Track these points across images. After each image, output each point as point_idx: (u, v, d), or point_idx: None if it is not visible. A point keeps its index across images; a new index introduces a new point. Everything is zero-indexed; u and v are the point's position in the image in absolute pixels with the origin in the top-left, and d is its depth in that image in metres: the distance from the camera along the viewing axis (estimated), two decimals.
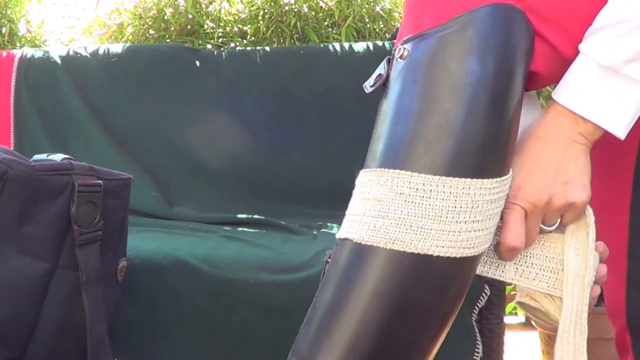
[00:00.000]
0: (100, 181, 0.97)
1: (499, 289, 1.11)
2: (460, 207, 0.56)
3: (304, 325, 0.61)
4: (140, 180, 1.60)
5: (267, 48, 1.83)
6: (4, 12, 2.31)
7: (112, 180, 1.00)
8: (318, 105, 1.71)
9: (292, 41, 2.21)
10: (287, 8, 2.23)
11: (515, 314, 2.22)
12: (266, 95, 1.73)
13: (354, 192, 0.62)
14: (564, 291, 0.64)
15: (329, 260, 0.62)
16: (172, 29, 2.21)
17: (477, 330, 1.06)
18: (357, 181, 0.62)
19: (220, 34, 2.25)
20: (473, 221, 0.57)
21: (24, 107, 1.76)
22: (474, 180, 0.56)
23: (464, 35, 0.60)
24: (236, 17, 2.31)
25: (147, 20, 2.26)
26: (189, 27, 2.24)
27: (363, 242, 0.58)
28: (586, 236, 0.64)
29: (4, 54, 1.84)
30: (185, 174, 1.69)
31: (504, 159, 0.59)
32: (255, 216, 1.54)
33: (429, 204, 0.56)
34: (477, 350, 1.05)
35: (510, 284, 1.71)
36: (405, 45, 0.63)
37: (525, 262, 0.66)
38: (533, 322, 1.80)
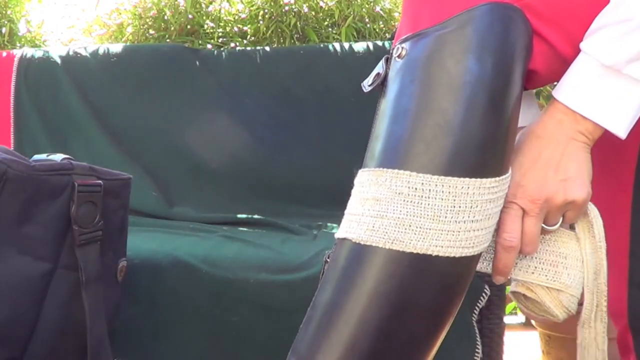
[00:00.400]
0: (100, 181, 0.96)
1: (499, 289, 1.11)
2: (459, 207, 0.56)
3: (303, 325, 0.60)
4: (140, 180, 1.60)
5: (267, 48, 1.83)
6: (4, 12, 2.31)
7: (112, 180, 1.00)
8: (318, 105, 1.71)
9: (292, 41, 2.21)
10: (287, 8, 2.23)
11: (515, 314, 2.22)
12: (266, 95, 1.73)
13: (353, 191, 0.62)
14: (585, 287, 0.64)
15: (328, 260, 0.62)
16: (172, 29, 2.21)
17: (477, 330, 1.06)
18: (356, 181, 0.62)
19: (220, 34, 2.25)
20: (472, 221, 0.57)
21: (24, 107, 1.76)
22: (473, 179, 0.56)
23: (462, 34, 0.60)
24: (236, 17, 2.31)
25: (147, 20, 2.26)
26: (189, 27, 2.24)
27: (362, 242, 0.58)
28: (593, 233, 0.65)
29: (4, 54, 1.84)
30: (185, 174, 1.69)
31: (502, 158, 0.59)
32: (255, 216, 1.54)
33: (428, 204, 0.56)
34: (477, 350, 1.05)
35: (510, 284, 1.71)
36: (403, 45, 0.63)
37: (525, 257, 0.66)
38: (533, 322, 1.81)
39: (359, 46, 1.76)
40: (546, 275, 0.65)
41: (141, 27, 2.26)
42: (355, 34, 2.20)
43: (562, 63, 0.63)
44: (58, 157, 0.94)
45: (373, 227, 0.57)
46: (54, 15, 2.48)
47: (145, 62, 1.77)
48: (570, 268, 0.65)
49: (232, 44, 2.23)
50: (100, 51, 1.80)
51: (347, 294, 0.57)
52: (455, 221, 0.56)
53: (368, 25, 2.24)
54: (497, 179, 0.58)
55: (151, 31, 2.26)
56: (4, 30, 2.30)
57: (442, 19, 0.61)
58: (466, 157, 0.57)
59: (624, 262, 0.75)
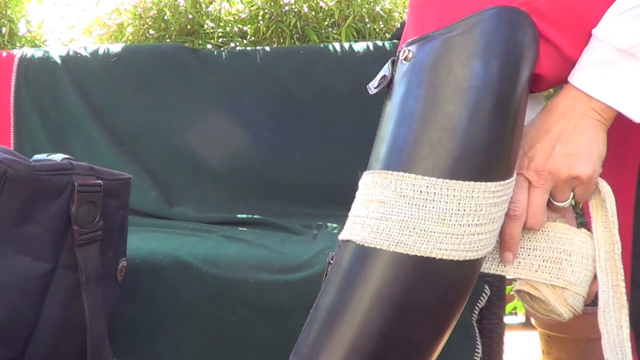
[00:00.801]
0: (100, 181, 0.96)
1: (499, 289, 1.11)
2: (464, 211, 0.56)
3: (306, 327, 0.60)
4: (140, 180, 1.60)
5: (267, 48, 1.83)
6: (4, 12, 2.31)
7: (112, 180, 1.00)
8: (318, 105, 1.71)
9: (292, 41, 2.21)
10: (287, 8, 2.23)
11: (515, 314, 2.22)
12: (266, 95, 1.73)
13: (357, 193, 0.62)
14: (597, 267, 0.64)
15: (331, 261, 0.62)
16: (172, 29, 2.21)
17: (477, 330, 1.06)
18: (360, 183, 0.62)
19: (220, 34, 2.25)
20: (476, 224, 0.57)
21: (24, 107, 1.76)
22: (478, 183, 0.56)
23: (468, 37, 0.60)
24: (236, 17, 2.31)
25: (147, 20, 2.26)
26: (189, 27, 2.24)
27: (366, 244, 0.58)
28: (606, 211, 0.64)
29: (4, 54, 1.84)
30: (185, 174, 1.69)
31: (508, 162, 0.59)
32: (255, 216, 1.54)
33: (433, 207, 0.56)
34: (477, 350, 1.05)
35: (510, 284, 1.71)
36: (409, 47, 0.63)
37: (529, 254, 0.66)
38: (533, 321, 1.80)
39: (359, 46, 1.76)
40: (550, 273, 0.65)
41: (141, 27, 2.26)
42: (355, 34, 2.20)
43: (569, 66, 0.63)
44: (58, 157, 0.94)
45: (377, 229, 0.57)
46: (54, 15, 2.48)
47: (145, 62, 1.77)
48: (575, 265, 0.64)
49: (232, 44, 2.23)
50: (100, 51, 1.80)
51: (350, 295, 0.57)
52: (460, 224, 0.56)
53: (368, 25, 2.24)
54: (502, 182, 0.58)
55: (151, 31, 2.26)
56: (4, 30, 2.30)
57: (449, 23, 0.61)
58: (471, 160, 0.57)
59: (626, 263, 0.75)
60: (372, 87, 0.66)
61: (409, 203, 0.57)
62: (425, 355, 0.59)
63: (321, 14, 2.27)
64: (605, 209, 0.65)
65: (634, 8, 0.59)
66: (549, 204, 0.65)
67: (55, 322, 0.91)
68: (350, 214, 0.62)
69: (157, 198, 1.64)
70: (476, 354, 1.04)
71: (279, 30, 2.22)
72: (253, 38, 2.25)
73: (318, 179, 1.65)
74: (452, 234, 0.56)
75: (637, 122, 0.61)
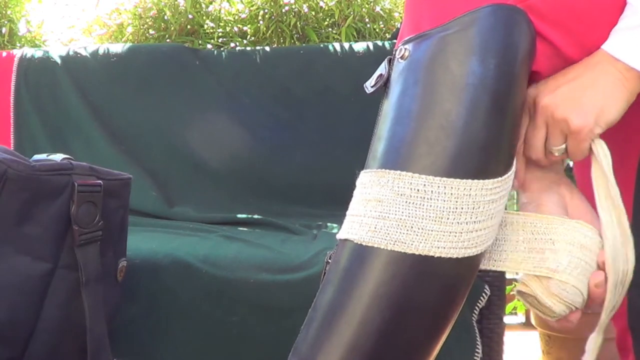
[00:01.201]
0: (100, 181, 0.96)
1: (499, 289, 1.11)
2: (462, 209, 0.56)
3: (304, 326, 0.60)
4: (140, 180, 1.60)
5: (267, 48, 1.83)
6: (4, 12, 2.31)
7: (112, 180, 1.00)
8: (318, 105, 1.71)
9: (292, 41, 2.21)
10: (287, 8, 2.23)
11: (515, 314, 2.22)
12: (266, 95, 1.73)
13: (355, 192, 0.62)
14: (603, 235, 0.62)
15: (330, 261, 0.62)
16: (172, 29, 2.21)
17: (477, 330, 1.06)
18: (358, 182, 0.62)
19: (220, 34, 2.25)
20: (474, 222, 0.57)
21: (24, 107, 1.76)
22: (475, 181, 0.56)
23: (465, 35, 0.60)
24: (236, 17, 2.31)
25: (147, 20, 2.26)
26: (189, 27, 2.24)
27: (364, 243, 0.57)
28: (606, 175, 0.63)
29: (4, 54, 1.84)
30: (185, 174, 1.69)
31: (505, 160, 0.59)
32: (255, 216, 1.54)
33: (430, 205, 0.56)
34: (477, 350, 1.05)
35: (510, 284, 1.71)
36: (406, 46, 0.63)
37: (515, 247, 0.65)
38: (533, 321, 1.80)
39: (359, 46, 1.76)
40: (533, 263, 0.63)
41: (141, 27, 2.26)
42: (355, 34, 2.20)
43: (566, 64, 0.63)
44: (58, 157, 0.94)
45: (375, 228, 0.57)
46: (54, 15, 2.48)
47: (145, 62, 1.77)
48: (559, 252, 0.63)
49: (232, 44, 2.23)
50: (100, 51, 1.80)
51: (349, 295, 0.57)
52: (458, 222, 0.56)
53: (368, 25, 2.24)
54: (499, 179, 0.58)
55: (151, 31, 2.26)
56: (4, 30, 2.30)
57: (445, 21, 0.61)
58: (469, 158, 0.57)
59: None
60: (369, 86, 0.66)
61: (406, 202, 0.57)
62: (424, 353, 0.59)
63: (321, 14, 2.27)
64: (604, 174, 0.63)
65: None
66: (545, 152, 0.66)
67: (55, 322, 0.91)
68: (348, 212, 0.61)
69: (157, 198, 1.64)
70: (476, 354, 1.04)
71: (279, 30, 2.22)
72: (253, 38, 2.25)
73: (318, 179, 1.65)
74: (450, 232, 0.56)
75: None
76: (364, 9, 2.25)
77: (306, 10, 2.24)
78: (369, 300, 0.56)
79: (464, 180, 0.56)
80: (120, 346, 1.07)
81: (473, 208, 0.57)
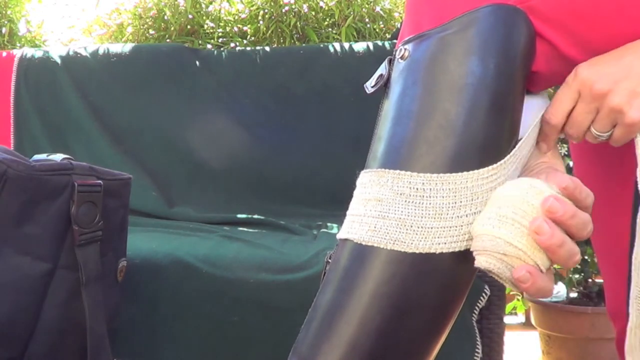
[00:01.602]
0: (100, 181, 0.96)
1: (499, 288, 1.11)
2: (461, 202, 0.56)
3: (304, 326, 0.60)
4: (140, 180, 1.60)
5: (267, 48, 1.83)
6: (4, 12, 2.31)
7: (112, 180, 1.00)
8: (318, 105, 1.71)
9: (292, 41, 2.21)
10: (287, 8, 2.23)
11: (515, 314, 2.22)
12: (266, 95, 1.73)
13: (355, 192, 0.62)
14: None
15: (330, 261, 0.62)
16: (172, 29, 2.21)
17: (477, 330, 1.06)
18: (358, 182, 0.62)
19: (220, 34, 2.25)
20: (474, 213, 0.57)
21: (24, 107, 1.76)
22: (471, 172, 0.56)
23: (465, 36, 0.60)
24: (236, 17, 2.31)
25: (147, 20, 2.26)
26: (189, 27, 2.24)
27: (364, 243, 0.57)
28: None
29: (4, 54, 1.84)
30: (185, 174, 1.69)
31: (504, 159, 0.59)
32: (255, 216, 1.54)
33: (430, 203, 0.56)
34: (477, 350, 1.05)
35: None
36: (406, 46, 0.63)
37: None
38: (533, 321, 1.81)
39: (359, 46, 1.76)
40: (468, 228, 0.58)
41: (141, 27, 2.26)
42: (355, 34, 2.20)
43: (565, 64, 0.63)
44: (58, 157, 0.94)
45: (375, 227, 0.57)
46: (54, 15, 2.48)
47: (145, 62, 1.77)
48: (485, 208, 0.57)
49: (232, 44, 2.23)
50: (100, 51, 1.80)
51: (349, 294, 0.57)
52: (457, 216, 0.56)
53: (368, 25, 2.24)
54: (495, 165, 0.57)
55: (151, 31, 2.26)
56: (4, 30, 2.30)
57: (445, 21, 0.61)
58: (468, 158, 0.57)
59: (624, 263, 0.75)
60: (369, 86, 0.66)
61: (405, 201, 0.57)
62: (424, 353, 0.59)
63: (321, 14, 2.27)
64: None
65: None
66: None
67: (55, 322, 0.91)
68: (348, 212, 0.61)
69: (157, 198, 1.64)
70: (476, 354, 1.04)
71: (279, 30, 2.22)
72: (253, 38, 2.26)
73: (318, 179, 1.65)
74: (450, 227, 0.56)
75: None
76: (364, 9, 2.25)
77: (306, 10, 2.24)
78: (368, 299, 0.56)
79: (460, 174, 0.56)
80: (120, 346, 1.07)
81: (472, 200, 0.56)
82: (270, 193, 1.65)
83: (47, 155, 0.94)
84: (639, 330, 0.60)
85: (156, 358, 1.10)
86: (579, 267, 1.70)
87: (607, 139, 0.64)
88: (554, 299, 1.73)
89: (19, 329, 0.88)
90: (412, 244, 0.56)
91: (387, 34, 2.26)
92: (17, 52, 1.83)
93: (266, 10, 2.24)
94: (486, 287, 1.06)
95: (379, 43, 1.78)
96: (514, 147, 0.61)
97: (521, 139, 0.62)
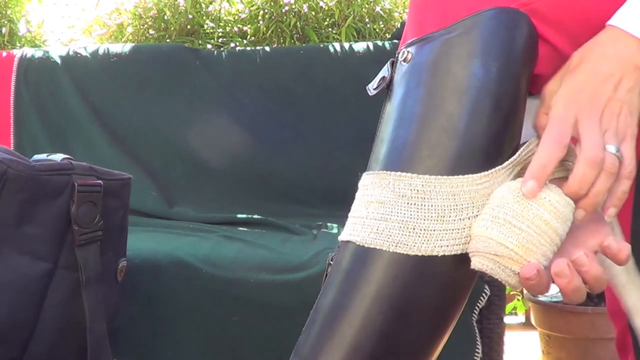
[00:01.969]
0: (100, 181, 0.96)
1: (499, 289, 1.11)
2: (461, 205, 0.56)
3: (306, 327, 0.60)
4: (140, 180, 1.60)
5: (267, 48, 1.83)
6: (4, 12, 2.31)
7: (112, 180, 1.00)
8: (318, 105, 1.71)
9: (292, 41, 2.21)
10: (287, 8, 2.23)
11: (515, 314, 2.22)
12: (266, 95, 1.73)
13: (357, 194, 0.62)
14: None
15: (331, 262, 0.62)
16: (172, 29, 2.21)
17: (477, 330, 1.06)
18: (360, 184, 0.62)
19: (220, 34, 2.25)
20: (475, 215, 0.57)
21: (24, 107, 1.76)
22: (467, 176, 0.56)
23: (467, 39, 0.60)
24: (236, 17, 2.31)
25: (147, 20, 2.26)
26: (189, 27, 2.24)
27: (366, 245, 0.58)
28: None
29: (4, 54, 1.84)
30: (185, 174, 1.69)
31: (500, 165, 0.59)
32: (255, 216, 1.54)
33: (431, 205, 0.56)
34: (477, 350, 1.05)
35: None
36: (409, 49, 0.63)
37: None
38: (533, 321, 1.81)
39: (359, 46, 1.76)
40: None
41: (141, 27, 2.26)
42: (355, 34, 2.20)
43: None
44: (58, 157, 0.94)
45: (377, 229, 0.57)
46: (54, 15, 2.48)
47: (145, 62, 1.77)
48: (481, 213, 0.57)
49: (232, 44, 2.23)
50: (100, 51, 1.80)
51: (351, 296, 0.57)
52: (460, 219, 0.56)
53: (368, 25, 2.24)
54: (487, 173, 0.57)
55: (151, 31, 2.26)
56: (4, 30, 2.30)
57: (448, 24, 0.62)
58: (470, 160, 0.57)
59: None
60: (372, 88, 0.66)
61: (407, 203, 0.57)
62: (425, 354, 0.59)
63: (321, 14, 2.27)
64: None
65: None
66: None
67: (55, 322, 0.91)
68: (350, 214, 0.62)
69: (157, 198, 1.64)
70: (476, 354, 1.04)
71: (279, 30, 2.22)
72: (253, 38, 2.25)
73: (318, 179, 1.65)
74: (452, 230, 0.56)
75: None
76: (364, 9, 2.25)
77: (306, 10, 2.24)
78: (370, 301, 0.56)
79: (460, 177, 0.56)
80: (120, 346, 1.07)
81: (472, 203, 0.57)
82: (270, 193, 1.65)
83: (47, 155, 0.95)
84: None
85: (156, 358, 1.11)
86: None
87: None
88: (554, 299, 1.73)
89: (19, 329, 0.88)
90: (414, 246, 0.56)
91: (387, 34, 2.26)
92: (17, 52, 1.83)
93: (266, 10, 2.24)
94: (486, 287, 1.06)
95: (379, 43, 1.78)
96: (517, 149, 0.61)
97: (525, 142, 0.62)
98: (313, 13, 2.26)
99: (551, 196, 0.56)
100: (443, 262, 0.56)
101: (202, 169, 1.68)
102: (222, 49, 2.01)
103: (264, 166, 1.67)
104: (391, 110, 0.62)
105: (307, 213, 1.58)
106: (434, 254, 0.56)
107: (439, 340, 0.59)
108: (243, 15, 2.30)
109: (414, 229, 0.56)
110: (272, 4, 2.23)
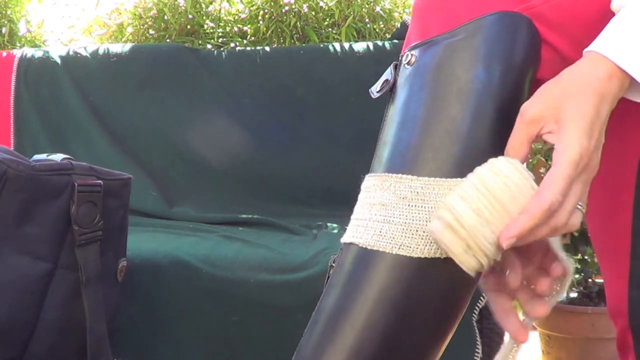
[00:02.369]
0: (100, 181, 0.97)
1: None
2: None
3: (308, 329, 0.60)
4: (140, 180, 1.60)
5: (267, 48, 1.83)
6: (4, 12, 2.31)
7: (112, 180, 1.00)
8: (318, 105, 1.71)
9: (292, 41, 2.21)
10: (287, 8, 2.23)
11: None
12: (266, 95, 1.73)
13: (360, 196, 0.62)
14: None
15: (334, 264, 0.62)
16: (172, 29, 2.21)
17: (477, 330, 1.06)
18: (363, 186, 0.62)
19: (220, 34, 2.25)
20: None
21: (24, 107, 1.76)
22: (462, 179, 0.56)
23: (471, 42, 0.60)
24: (236, 17, 2.31)
25: (147, 20, 2.26)
26: (189, 27, 2.24)
27: (369, 247, 0.57)
28: None
29: (4, 54, 1.84)
30: (185, 174, 1.69)
31: None
32: (255, 216, 1.54)
33: (432, 207, 0.56)
34: (477, 350, 1.05)
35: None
36: (412, 52, 0.63)
37: None
38: (533, 322, 1.80)
39: (359, 46, 1.76)
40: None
41: (141, 27, 2.26)
42: (355, 34, 2.20)
43: None
44: (58, 157, 0.94)
45: (380, 232, 0.57)
46: (54, 15, 2.48)
47: (145, 62, 1.77)
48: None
49: (232, 44, 2.23)
50: (100, 51, 1.80)
51: (353, 298, 0.57)
52: None
53: (368, 25, 2.24)
54: None
55: (151, 31, 2.26)
56: (4, 30, 2.30)
57: (451, 27, 0.62)
58: (473, 164, 0.56)
59: (625, 263, 0.75)
60: (375, 91, 0.66)
61: (409, 205, 0.57)
62: (427, 356, 0.59)
63: (321, 14, 2.27)
64: None
65: None
66: None
67: (55, 322, 0.91)
68: (352, 217, 0.61)
69: (157, 198, 1.64)
70: (476, 354, 1.04)
71: (279, 30, 2.22)
72: (253, 38, 2.25)
73: (318, 179, 1.65)
74: None
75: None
76: (364, 9, 2.25)
77: (306, 10, 2.24)
78: (373, 304, 0.56)
79: (454, 179, 0.56)
80: (120, 346, 1.07)
81: None
82: (270, 193, 1.65)
83: (47, 155, 0.95)
84: None
85: (156, 358, 1.11)
86: (578, 267, 1.70)
87: None
88: None
89: (19, 329, 0.88)
90: (417, 248, 0.56)
91: (387, 34, 2.26)
92: (17, 52, 1.83)
93: (266, 10, 2.24)
94: None
95: (379, 43, 1.78)
96: None
97: None
98: (313, 13, 2.26)
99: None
100: (446, 264, 0.56)
101: (202, 169, 1.68)
102: (222, 49, 2.01)
103: (264, 166, 1.67)
104: (394, 113, 0.62)
105: (307, 213, 1.58)
106: (437, 256, 0.56)
107: (441, 342, 0.59)
108: (243, 15, 2.30)
109: (416, 231, 0.56)
110: (272, 4, 2.23)
